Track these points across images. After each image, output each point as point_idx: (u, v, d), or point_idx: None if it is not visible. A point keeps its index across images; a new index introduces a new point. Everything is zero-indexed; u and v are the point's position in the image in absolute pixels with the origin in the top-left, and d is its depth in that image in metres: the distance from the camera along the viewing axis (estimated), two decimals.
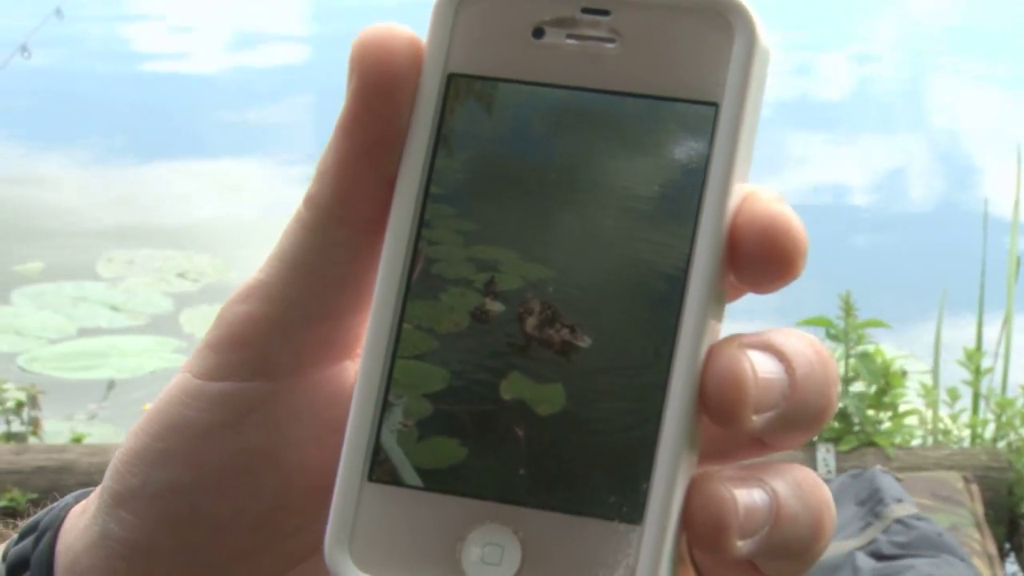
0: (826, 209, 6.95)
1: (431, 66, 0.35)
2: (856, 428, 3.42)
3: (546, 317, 0.33)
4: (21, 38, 5.63)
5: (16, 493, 3.20)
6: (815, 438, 3.35)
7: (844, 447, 3.34)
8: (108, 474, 0.39)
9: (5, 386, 3.75)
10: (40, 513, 0.44)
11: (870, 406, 3.47)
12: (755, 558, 0.33)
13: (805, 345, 0.34)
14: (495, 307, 0.34)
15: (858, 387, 3.47)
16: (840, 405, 3.32)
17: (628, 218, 0.34)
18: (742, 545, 0.32)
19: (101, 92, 8.20)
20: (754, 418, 0.33)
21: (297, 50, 9.02)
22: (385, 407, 0.34)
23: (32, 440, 3.68)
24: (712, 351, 0.33)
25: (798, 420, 0.34)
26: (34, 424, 3.72)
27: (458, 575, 0.33)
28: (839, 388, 0.37)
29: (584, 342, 0.33)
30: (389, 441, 0.34)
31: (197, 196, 6.64)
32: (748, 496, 0.33)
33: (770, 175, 6.77)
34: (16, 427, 3.70)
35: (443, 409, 0.34)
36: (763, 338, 0.34)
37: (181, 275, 5.48)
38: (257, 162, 7.08)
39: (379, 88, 0.35)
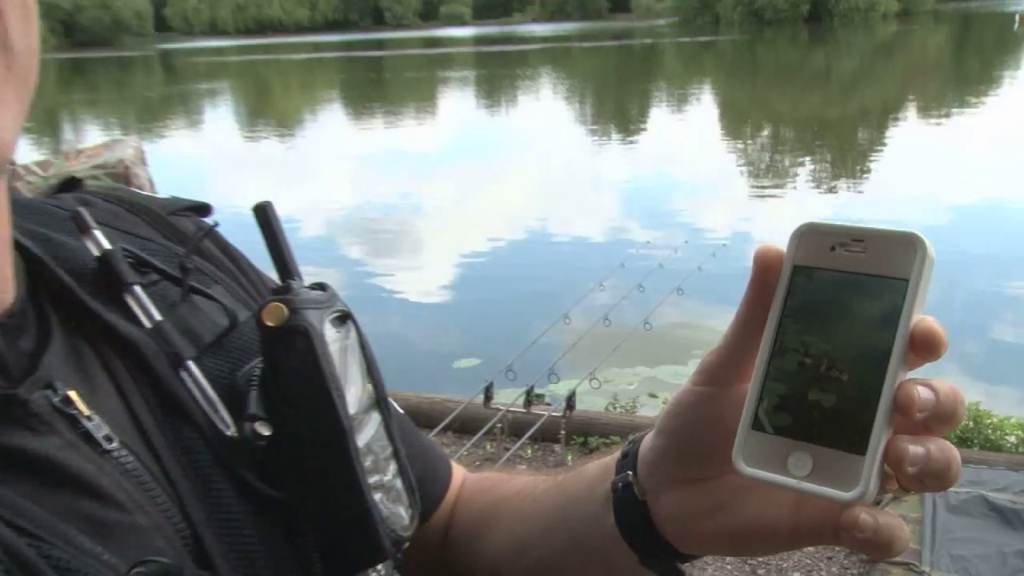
0: None
1: (787, 261, 0.59)
2: None
3: (829, 365, 0.56)
4: None
5: None
6: None
7: None
8: (660, 416, 0.70)
9: None
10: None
11: None
12: (917, 469, 0.54)
13: (946, 385, 0.54)
14: (808, 361, 0.57)
15: None
16: None
17: (868, 327, 0.55)
18: (912, 471, 0.53)
19: None
20: (918, 414, 0.53)
21: None
22: (760, 398, 0.58)
23: None
24: (901, 384, 0.54)
25: (941, 418, 0.54)
26: None
27: (786, 471, 0.56)
28: (965, 408, 0.56)
29: (845, 377, 0.55)
30: (761, 413, 0.58)
31: None
32: (916, 445, 0.53)
33: None
34: None
35: (783, 400, 0.57)
36: (926, 380, 0.54)
37: None
38: None
39: (764, 272, 0.60)
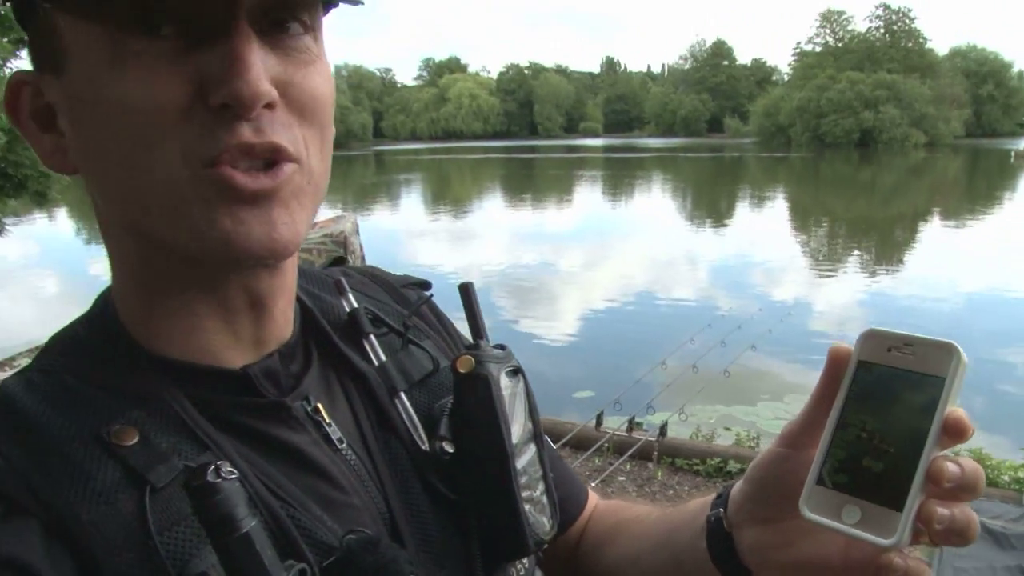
0: None
1: (853, 357, 0.57)
2: None
3: (880, 439, 0.55)
4: None
5: None
6: None
7: None
8: (749, 467, 0.67)
9: None
10: None
11: None
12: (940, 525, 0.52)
13: (971, 463, 0.53)
14: (863, 435, 0.55)
15: None
16: None
17: (912, 413, 0.54)
18: (939, 528, 0.52)
19: None
20: (946, 484, 0.52)
21: None
22: (824, 460, 0.57)
23: None
24: (935, 459, 0.52)
25: (965, 489, 0.53)
26: None
27: (839, 519, 0.55)
28: (984, 481, 0.54)
29: (891, 450, 0.54)
30: (824, 472, 0.56)
31: None
32: (944, 508, 0.52)
33: None
34: None
35: (842, 464, 0.56)
36: (954, 458, 0.53)
37: None
38: None
39: (835, 363, 0.59)
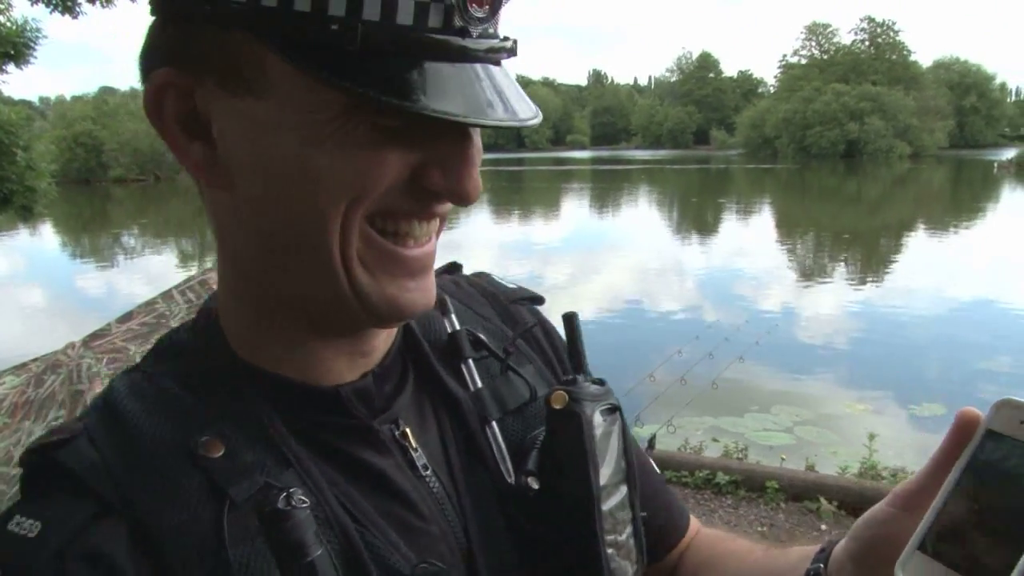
0: None
1: (983, 424, 0.54)
2: None
3: (991, 514, 0.51)
4: None
5: None
6: None
7: None
8: (855, 524, 0.63)
9: None
10: None
11: None
12: None
13: None
14: (976, 507, 0.51)
15: None
16: None
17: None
18: None
19: None
20: None
21: None
22: (930, 526, 0.52)
23: None
24: None
25: None
26: None
27: None
28: None
29: (1002, 527, 0.50)
30: (928, 538, 0.53)
31: None
32: None
33: None
34: None
35: (947, 533, 0.52)
36: None
37: None
38: None
39: (962, 428, 0.55)
